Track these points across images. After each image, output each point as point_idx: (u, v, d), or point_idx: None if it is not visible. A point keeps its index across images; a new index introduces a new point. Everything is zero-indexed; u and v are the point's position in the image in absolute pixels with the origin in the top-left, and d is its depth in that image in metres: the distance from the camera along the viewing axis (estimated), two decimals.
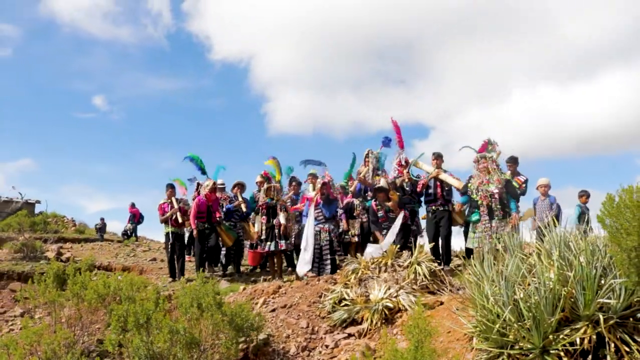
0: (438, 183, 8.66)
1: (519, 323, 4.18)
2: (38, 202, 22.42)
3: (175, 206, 9.90)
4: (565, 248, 4.56)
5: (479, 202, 7.27)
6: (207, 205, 9.54)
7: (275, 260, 9.19)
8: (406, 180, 8.98)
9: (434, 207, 8.73)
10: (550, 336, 4.09)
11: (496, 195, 7.16)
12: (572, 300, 4.22)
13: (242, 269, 10.82)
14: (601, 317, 3.94)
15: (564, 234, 4.68)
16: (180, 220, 9.84)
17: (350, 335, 5.99)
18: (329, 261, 8.42)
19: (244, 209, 10.14)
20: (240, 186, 10.50)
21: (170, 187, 10.21)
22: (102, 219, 19.34)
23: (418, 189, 9.02)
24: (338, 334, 6.06)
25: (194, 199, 10.11)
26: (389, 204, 8.16)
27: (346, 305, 6.36)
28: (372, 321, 5.93)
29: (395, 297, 6.10)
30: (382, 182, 8.55)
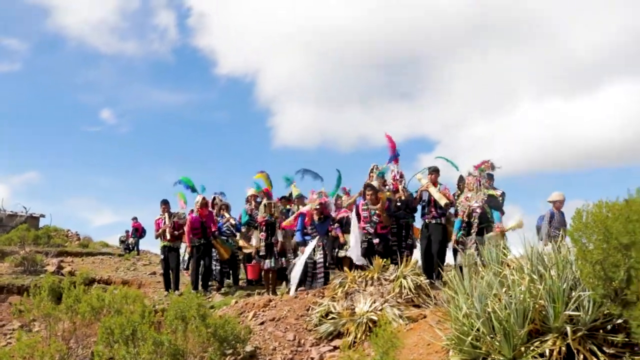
0: (432, 197, 8.77)
1: (491, 335, 4.30)
2: (42, 215, 22.67)
3: (167, 222, 10.07)
4: (539, 261, 4.68)
5: (460, 219, 7.37)
6: (200, 221, 9.69)
7: (270, 275, 9.31)
8: (403, 197, 9.08)
9: (427, 220, 8.82)
10: (522, 348, 4.20)
11: (477, 210, 7.26)
12: (543, 312, 4.33)
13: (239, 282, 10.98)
14: (569, 329, 4.05)
15: (537, 247, 4.80)
16: (168, 236, 10.01)
17: (335, 347, 6.10)
18: (322, 275, 8.53)
19: (232, 222, 10.32)
20: (225, 207, 10.71)
21: (164, 203, 10.39)
22: (128, 232, 19.44)
23: (414, 204, 9.14)
24: (324, 346, 6.17)
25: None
26: (377, 206, 8.26)
27: (333, 318, 6.48)
28: (357, 334, 6.04)
29: (380, 310, 6.21)
30: (374, 183, 8.70)
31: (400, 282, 6.61)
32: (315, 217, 8.85)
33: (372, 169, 9.43)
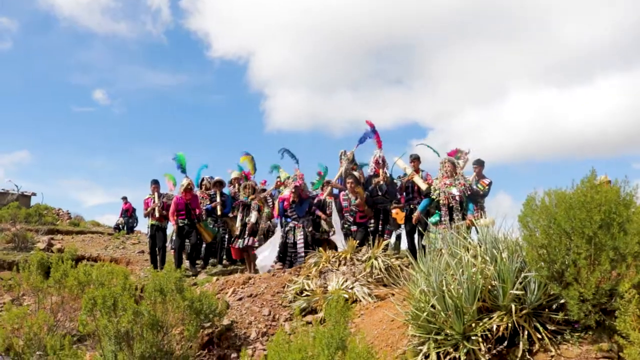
0: (416, 184, 9.10)
1: (444, 311, 4.65)
2: (34, 194, 22.86)
3: (156, 201, 10.38)
4: (494, 245, 5.03)
5: (441, 203, 7.62)
6: (185, 203, 9.96)
7: (250, 254, 9.65)
8: (382, 181, 9.35)
9: (411, 206, 9.19)
10: (472, 324, 4.56)
11: (457, 198, 7.55)
12: (494, 292, 4.68)
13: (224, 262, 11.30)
14: (513, 307, 4.40)
15: (494, 231, 5.14)
16: (157, 214, 10.32)
17: (308, 323, 6.46)
18: (302, 254, 8.84)
19: (218, 212, 10.59)
20: (219, 184, 10.90)
21: (154, 183, 10.68)
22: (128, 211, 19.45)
23: (400, 193, 9.48)
24: (297, 321, 6.53)
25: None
26: (357, 201, 8.62)
27: (306, 295, 6.83)
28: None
29: (351, 288, 6.57)
30: (356, 173, 9.05)
31: (372, 262, 6.96)
32: (293, 199, 9.14)
33: (341, 156, 9.74)
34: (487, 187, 9.10)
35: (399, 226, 10.51)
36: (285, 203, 9.24)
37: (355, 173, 9.17)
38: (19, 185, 22.32)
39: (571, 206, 4.20)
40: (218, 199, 10.66)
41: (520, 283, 4.52)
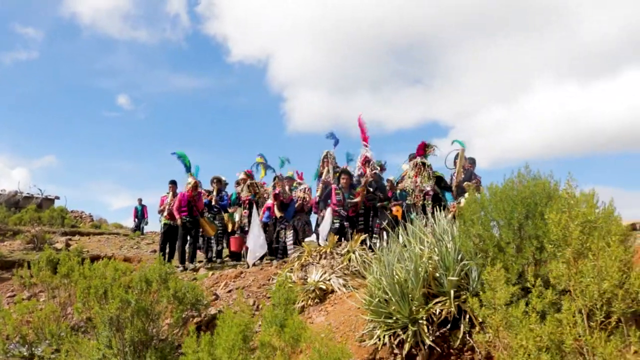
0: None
1: (395, 297, 5.12)
2: (57, 198, 23.81)
3: (169, 200, 11.03)
4: (443, 235, 5.48)
5: (414, 202, 8.09)
6: (187, 200, 10.57)
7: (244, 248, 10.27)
8: (370, 178, 9.80)
9: (407, 202, 9.65)
10: (420, 309, 5.02)
11: (430, 192, 8.00)
12: (441, 280, 5.13)
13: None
14: (452, 292, 4.86)
15: (445, 223, 5.59)
16: (165, 213, 10.98)
17: None
18: (291, 249, 9.37)
19: (213, 202, 11.19)
20: (217, 181, 11.49)
21: (171, 183, 11.33)
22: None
23: (394, 190, 9.95)
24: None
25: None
26: (357, 199, 9.13)
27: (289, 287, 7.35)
28: (306, 301, 6.91)
29: (329, 280, 7.07)
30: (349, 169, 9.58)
31: (350, 256, 7.45)
32: (277, 210, 9.69)
33: (325, 156, 10.23)
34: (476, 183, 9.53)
35: (397, 223, 10.99)
36: (272, 211, 9.81)
37: (350, 169, 9.68)
38: (42, 189, 23.31)
39: (501, 199, 4.64)
40: (214, 193, 11.27)
41: (462, 271, 4.96)
